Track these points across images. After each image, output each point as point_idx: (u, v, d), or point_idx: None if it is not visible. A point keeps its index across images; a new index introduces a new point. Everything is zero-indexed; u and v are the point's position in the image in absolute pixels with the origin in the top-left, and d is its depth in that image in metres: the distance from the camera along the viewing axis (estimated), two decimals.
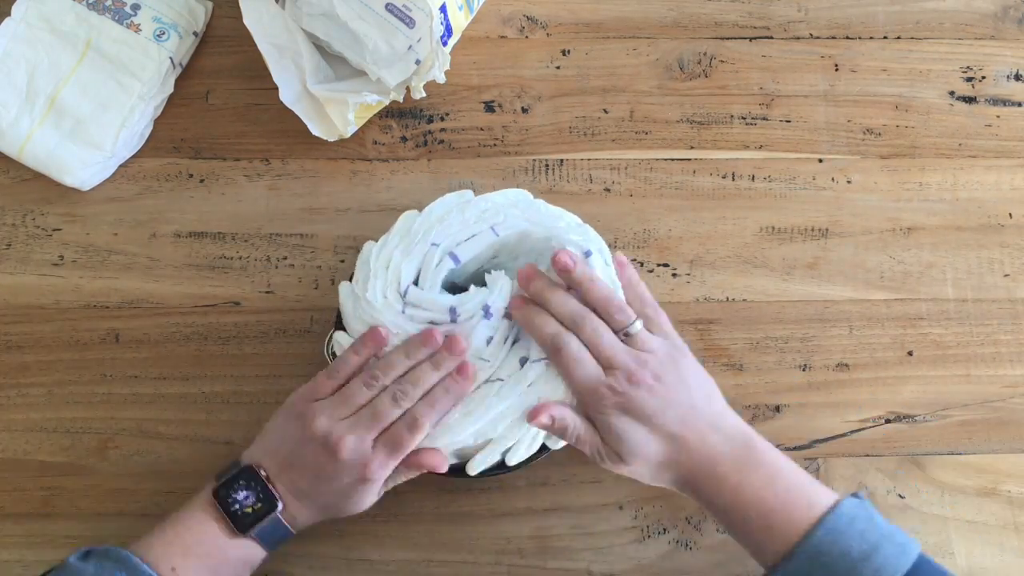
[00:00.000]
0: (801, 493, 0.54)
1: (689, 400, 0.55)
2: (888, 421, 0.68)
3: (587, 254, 0.58)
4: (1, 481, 0.64)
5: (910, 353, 0.69)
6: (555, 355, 0.56)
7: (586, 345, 0.56)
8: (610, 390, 0.55)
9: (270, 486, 0.56)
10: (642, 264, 0.69)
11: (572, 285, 0.58)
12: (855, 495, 0.55)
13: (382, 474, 0.56)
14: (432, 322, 0.58)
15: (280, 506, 0.56)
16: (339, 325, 0.61)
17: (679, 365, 0.57)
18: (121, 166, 0.69)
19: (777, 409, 0.67)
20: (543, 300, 0.57)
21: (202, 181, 0.70)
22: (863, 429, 0.67)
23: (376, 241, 0.60)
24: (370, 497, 0.58)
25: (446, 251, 0.59)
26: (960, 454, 0.67)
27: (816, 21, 0.75)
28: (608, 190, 0.71)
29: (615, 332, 0.57)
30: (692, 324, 0.69)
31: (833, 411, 0.67)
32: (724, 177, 0.71)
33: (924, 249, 0.71)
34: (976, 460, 0.67)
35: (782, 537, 0.53)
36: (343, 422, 0.56)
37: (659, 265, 0.70)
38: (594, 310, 0.57)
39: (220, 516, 0.55)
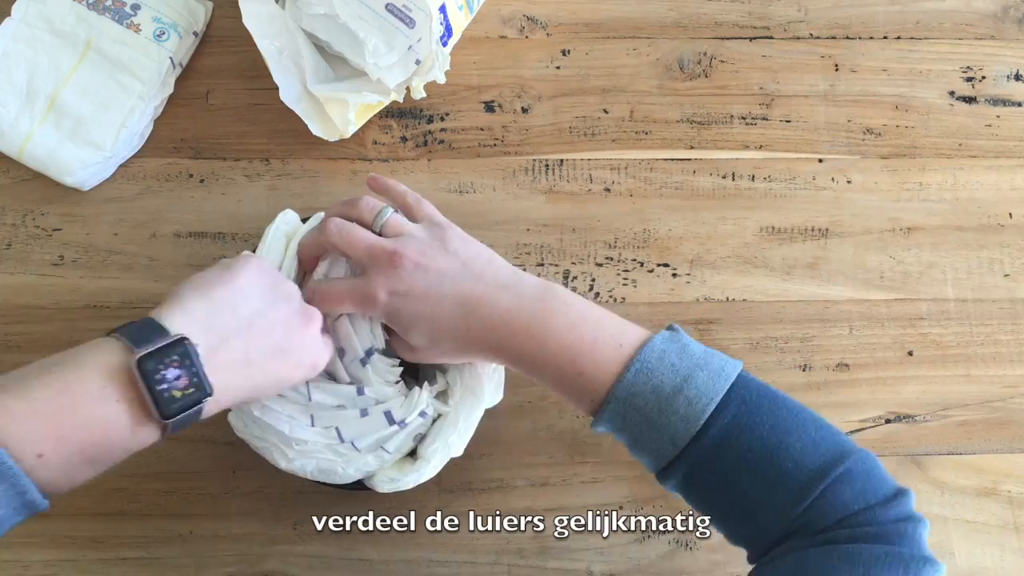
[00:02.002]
0: (609, 334, 0.51)
1: (464, 267, 0.53)
2: (888, 421, 0.68)
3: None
4: None
5: (910, 353, 0.69)
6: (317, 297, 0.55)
7: (343, 249, 0.55)
8: (375, 284, 0.53)
9: (204, 367, 0.46)
10: (642, 264, 0.70)
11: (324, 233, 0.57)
12: (669, 327, 0.53)
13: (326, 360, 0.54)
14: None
15: (210, 391, 0.46)
16: None
17: (446, 240, 0.54)
18: (121, 166, 0.69)
19: None
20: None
21: (202, 181, 0.70)
22: (863, 429, 0.67)
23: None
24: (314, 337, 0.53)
25: None
26: (960, 454, 0.67)
27: (816, 21, 0.75)
28: (608, 190, 0.71)
29: (371, 226, 0.56)
30: (692, 324, 0.69)
31: (833, 411, 0.67)
32: (724, 177, 0.71)
33: (924, 249, 0.71)
34: (976, 460, 0.67)
35: (595, 382, 0.51)
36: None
37: (659, 265, 0.70)
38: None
39: (134, 396, 0.44)
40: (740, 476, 0.49)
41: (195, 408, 0.45)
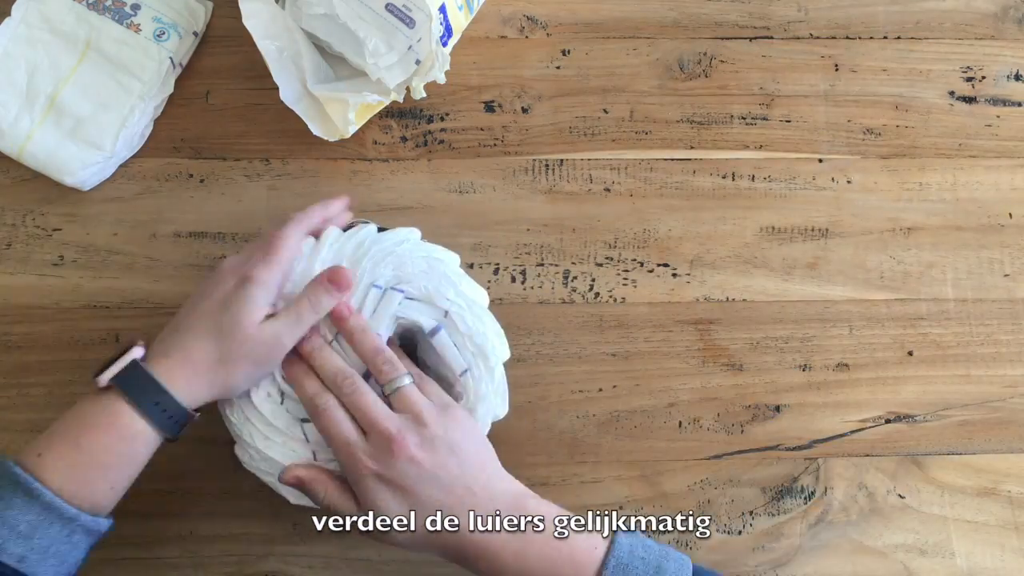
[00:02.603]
0: (580, 540, 0.53)
1: (458, 469, 0.52)
2: (888, 421, 0.68)
3: (436, 329, 0.56)
4: None
5: (910, 353, 0.69)
6: (314, 417, 0.54)
7: (347, 407, 0.53)
8: (368, 456, 0.52)
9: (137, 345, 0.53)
10: (642, 264, 0.70)
11: (345, 336, 0.55)
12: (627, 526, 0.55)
13: (265, 275, 0.54)
14: None
15: (140, 351, 0.53)
16: None
17: (448, 429, 0.53)
18: (121, 166, 0.69)
19: (777, 409, 0.67)
20: (310, 358, 0.55)
21: (202, 181, 0.70)
22: (863, 429, 0.67)
23: None
24: (255, 310, 0.53)
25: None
26: (960, 454, 0.67)
27: (816, 21, 0.75)
28: (608, 190, 0.71)
29: (381, 386, 0.54)
30: (692, 324, 0.69)
31: (833, 411, 0.68)
32: (724, 177, 0.72)
33: (924, 249, 0.71)
34: (976, 460, 0.67)
35: None
36: None
37: (659, 265, 0.70)
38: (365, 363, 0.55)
39: (104, 392, 0.52)
40: None
41: (121, 360, 0.52)
